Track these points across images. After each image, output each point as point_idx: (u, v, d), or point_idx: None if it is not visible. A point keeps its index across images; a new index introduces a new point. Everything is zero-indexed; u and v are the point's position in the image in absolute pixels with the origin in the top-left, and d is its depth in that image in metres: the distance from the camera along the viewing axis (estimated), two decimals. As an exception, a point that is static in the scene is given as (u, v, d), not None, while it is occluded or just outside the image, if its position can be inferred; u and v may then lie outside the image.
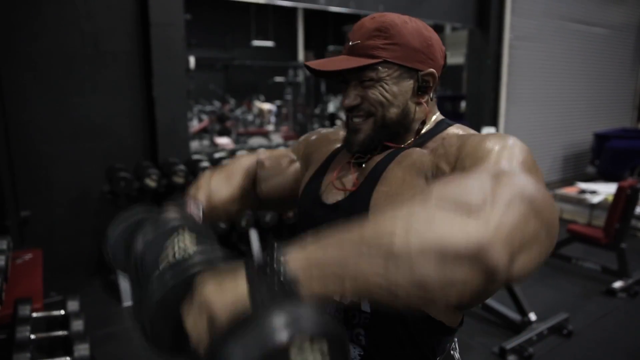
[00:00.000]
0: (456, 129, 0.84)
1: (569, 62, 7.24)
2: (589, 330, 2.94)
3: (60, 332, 1.74)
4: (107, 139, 3.62)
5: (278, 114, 12.68)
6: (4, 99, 3.18)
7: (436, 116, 0.89)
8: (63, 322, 1.83)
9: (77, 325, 1.71)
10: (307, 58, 18.43)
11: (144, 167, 3.46)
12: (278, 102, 13.04)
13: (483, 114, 6.06)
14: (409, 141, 0.86)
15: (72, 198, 3.56)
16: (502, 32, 6.07)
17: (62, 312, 1.87)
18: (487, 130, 5.87)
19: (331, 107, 10.75)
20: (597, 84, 7.90)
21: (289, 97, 9.20)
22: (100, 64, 3.54)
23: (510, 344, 2.63)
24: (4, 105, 3.17)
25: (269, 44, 14.55)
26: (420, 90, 0.83)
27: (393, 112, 0.82)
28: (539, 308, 2.96)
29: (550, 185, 6.82)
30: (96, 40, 3.51)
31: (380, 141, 0.85)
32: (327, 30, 19.04)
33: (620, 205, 3.47)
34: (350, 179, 0.87)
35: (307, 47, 19.00)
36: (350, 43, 0.82)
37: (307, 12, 17.53)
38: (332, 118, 9.34)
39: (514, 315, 2.88)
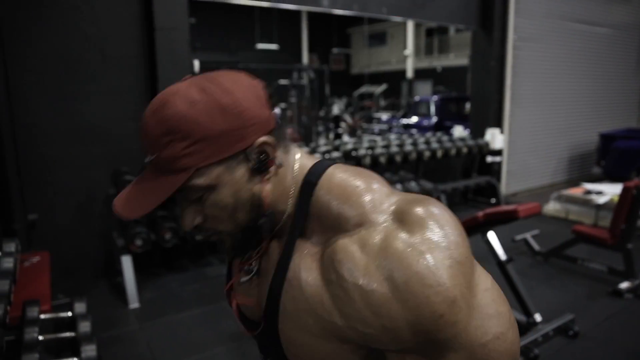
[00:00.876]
0: (328, 198, 0.63)
1: (572, 62, 7.23)
2: (595, 331, 2.92)
3: (67, 334, 1.75)
4: (112, 142, 3.65)
5: (282, 117, 12.69)
6: (12, 104, 3.21)
7: (294, 174, 0.68)
8: (70, 323, 1.85)
9: (84, 326, 1.73)
10: (311, 61, 18.47)
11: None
12: (283, 105, 13.07)
13: (488, 115, 6.06)
14: (284, 225, 0.68)
15: (78, 201, 3.59)
16: (506, 33, 6.07)
17: (70, 313, 1.89)
18: (492, 131, 5.86)
19: (335, 110, 10.76)
20: (601, 84, 7.87)
21: (293, 99, 9.22)
22: (106, 68, 3.58)
23: (516, 345, 2.62)
24: (12, 110, 3.21)
25: (273, 47, 14.61)
26: (260, 168, 0.63)
27: (243, 216, 0.65)
28: (544, 309, 2.95)
29: (556, 186, 6.80)
30: (101, 44, 3.54)
31: (256, 240, 0.69)
32: (331, 32, 19.08)
33: (626, 205, 3.46)
34: (252, 295, 0.73)
35: (311, 49, 19.07)
36: (147, 159, 0.63)
37: (311, 14, 17.59)
38: (337, 120, 9.35)
39: (519, 317, 2.87)
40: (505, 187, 6.29)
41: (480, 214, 2.98)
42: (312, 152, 4.38)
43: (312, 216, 0.64)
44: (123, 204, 0.63)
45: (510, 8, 6.01)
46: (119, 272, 3.41)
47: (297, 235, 0.65)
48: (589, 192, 5.14)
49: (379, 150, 4.70)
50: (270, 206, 0.66)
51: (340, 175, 0.65)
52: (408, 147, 4.96)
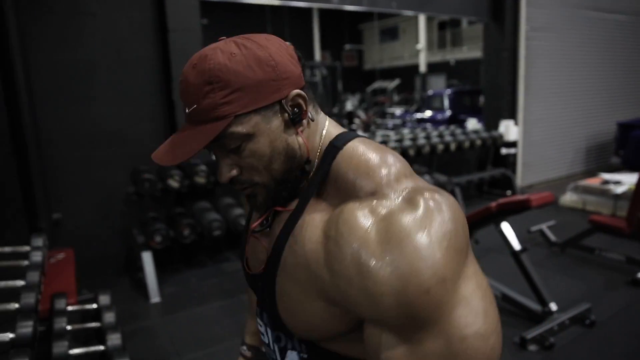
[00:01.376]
0: (347, 165, 0.65)
1: (587, 51, 7.13)
2: (612, 320, 2.92)
3: (94, 324, 1.83)
4: (130, 142, 3.74)
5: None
6: (36, 107, 3.33)
7: (322, 137, 0.71)
8: (96, 315, 1.93)
9: (109, 317, 1.80)
10: (323, 58, 18.48)
11: (167, 169, 3.57)
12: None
13: (501, 107, 6.03)
14: (303, 185, 0.71)
15: (99, 200, 3.70)
16: (518, 24, 6.02)
17: (95, 305, 1.97)
18: (506, 123, 5.83)
19: (349, 106, 10.78)
20: (618, 72, 7.74)
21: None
22: (122, 71, 3.67)
23: (531, 334, 2.64)
24: (36, 113, 3.32)
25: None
26: (295, 119, 0.66)
27: (279, 167, 0.67)
28: (560, 299, 2.95)
29: (573, 177, 6.73)
30: (117, 48, 3.64)
31: (286, 195, 0.70)
32: (343, 29, 19.07)
33: (642, 194, 3.43)
34: (260, 252, 0.77)
35: (323, 47, 19.08)
36: (186, 110, 0.65)
37: (322, 12, 17.60)
38: (350, 116, 9.38)
39: (534, 306, 2.89)
40: (521, 179, 6.26)
41: (494, 204, 2.99)
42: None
43: (330, 179, 0.67)
44: (162, 154, 0.65)
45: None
46: (139, 269, 3.50)
47: (313, 193, 0.68)
48: (606, 182, 5.09)
49: (391, 145, 4.73)
50: (302, 156, 0.69)
51: (363, 147, 0.67)
52: (421, 141, 4.97)
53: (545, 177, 6.71)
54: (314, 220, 0.65)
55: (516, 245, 2.93)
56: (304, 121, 0.68)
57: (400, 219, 0.56)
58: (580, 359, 2.55)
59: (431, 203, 0.58)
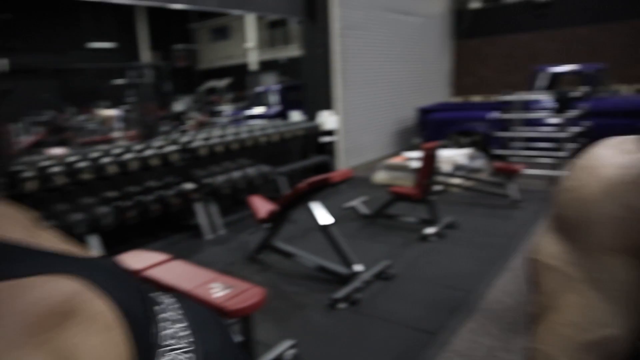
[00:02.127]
0: None
1: (393, 47, 8.14)
2: (407, 271, 3.45)
3: None
4: None
5: (125, 119, 12.01)
6: None
7: None
8: None
9: None
10: (154, 59, 17.65)
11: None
12: (125, 107, 12.36)
13: (320, 99, 6.53)
14: None
15: None
16: (331, 23, 6.58)
17: None
18: (324, 114, 6.34)
19: (179, 106, 10.53)
20: (417, 65, 8.99)
21: (131, 99, 8.80)
22: None
23: (340, 294, 2.99)
24: None
25: (107, 45, 13.67)
26: None
27: None
28: (367, 261, 3.38)
29: (387, 158, 7.62)
30: None
31: None
32: (174, 29, 18.43)
33: (426, 164, 4.09)
34: None
35: (155, 47, 18.21)
36: None
37: (151, 11, 16.76)
38: (179, 117, 9.19)
39: (342, 270, 3.26)
40: (343, 163, 6.87)
41: (302, 184, 3.28)
42: (146, 148, 4.33)
43: None
44: None
45: (334, 0, 6.54)
46: None
47: None
48: (408, 159, 5.89)
49: (215, 140, 4.81)
50: None
51: None
52: (244, 135, 5.15)
53: (364, 159, 7.47)
54: None
55: (324, 220, 3.27)
56: None
57: None
58: (382, 307, 2.97)
59: None
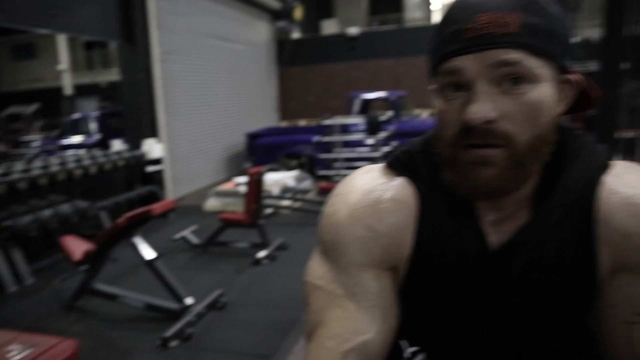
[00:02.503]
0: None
1: (218, 73, 8.18)
2: (240, 297, 3.46)
3: None
4: None
5: None
6: None
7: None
8: None
9: None
10: None
11: None
12: None
13: (142, 126, 6.21)
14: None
15: None
16: (151, 47, 6.33)
17: None
18: (149, 142, 6.06)
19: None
20: (245, 91, 9.19)
21: None
22: None
23: (171, 332, 2.85)
24: None
25: None
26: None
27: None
28: (200, 293, 3.30)
29: (219, 185, 7.59)
30: None
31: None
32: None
33: (252, 189, 4.19)
34: None
35: None
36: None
37: None
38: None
39: (173, 306, 3.13)
40: (172, 193, 6.62)
41: (121, 219, 3.08)
42: None
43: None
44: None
45: (151, 23, 6.29)
46: None
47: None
48: (239, 184, 5.95)
49: (16, 176, 4.22)
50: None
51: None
52: (55, 168, 4.63)
53: (194, 188, 7.31)
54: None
55: (148, 255, 3.11)
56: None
57: None
58: (216, 339, 2.92)
59: None
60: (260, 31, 10.12)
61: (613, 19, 1.88)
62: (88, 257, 3.21)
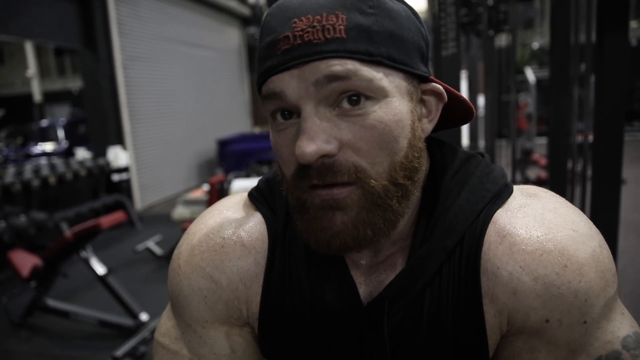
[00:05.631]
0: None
1: (188, 79, 8.02)
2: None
3: None
4: None
5: None
6: None
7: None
8: None
9: None
10: None
11: None
12: None
13: (107, 134, 6.05)
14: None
15: None
16: (113, 53, 6.17)
17: None
18: (114, 150, 5.89)
19: None
20: (215, 97, 9.04)
21: None
22: None
23: (123, 350, 2.73)
24: None
25: None
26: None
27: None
28: (160, 308, 3.17)
29: (189, 192, 7.44)
30: None
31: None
32: None
33: (213, 198, 4.08)
34: None
35: None
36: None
37: None
38: None
39: (127, 322, 3.00)
40: (140, 201, 6.46)
41: (69, 233, 2.95)
42: None
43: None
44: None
45: (112, 29, 6.13)
46: None
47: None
48: (207, 192, 5.82)
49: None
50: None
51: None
52: (8, 179, 4.45)
53: (164, 195, 7.15)
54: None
55: (99, 270, 2.98)
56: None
57: None
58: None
59: None
60: (230, 37, 9.99)
61: (557, 27, 1.87)
62: (36, 273, 3.06)
